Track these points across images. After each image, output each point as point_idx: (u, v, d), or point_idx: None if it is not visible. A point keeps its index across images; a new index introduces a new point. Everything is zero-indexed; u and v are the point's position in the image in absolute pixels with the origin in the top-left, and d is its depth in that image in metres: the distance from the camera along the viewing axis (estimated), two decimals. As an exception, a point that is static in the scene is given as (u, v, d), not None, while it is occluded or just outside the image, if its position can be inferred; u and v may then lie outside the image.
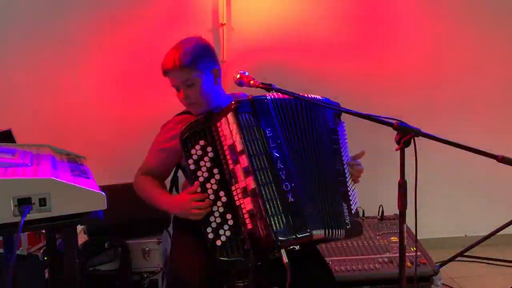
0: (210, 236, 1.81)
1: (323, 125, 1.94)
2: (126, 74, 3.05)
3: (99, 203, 1.59)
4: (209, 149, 1.86)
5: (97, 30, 2.97)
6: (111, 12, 2.97)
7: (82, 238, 2.63)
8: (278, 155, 1.81)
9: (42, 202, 1.50)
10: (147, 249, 2.62)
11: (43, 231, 2.27)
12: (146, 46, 3.02)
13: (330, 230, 1.83)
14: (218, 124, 1.85)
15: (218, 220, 1.82)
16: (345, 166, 1.97)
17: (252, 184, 1.76)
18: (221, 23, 3.02)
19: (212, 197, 1.84)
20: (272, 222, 1.73)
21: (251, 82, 1.90)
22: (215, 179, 1.85)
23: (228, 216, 1.82)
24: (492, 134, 3.26)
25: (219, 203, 1.83)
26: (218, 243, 1.81)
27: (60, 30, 2.94)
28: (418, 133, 1.65)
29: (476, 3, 3.23)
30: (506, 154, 1.65)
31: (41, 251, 2.28)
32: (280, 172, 1.79)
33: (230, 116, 1.82)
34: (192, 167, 1.87)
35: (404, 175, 1.68)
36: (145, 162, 2.10)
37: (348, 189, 1.95)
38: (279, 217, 1.75)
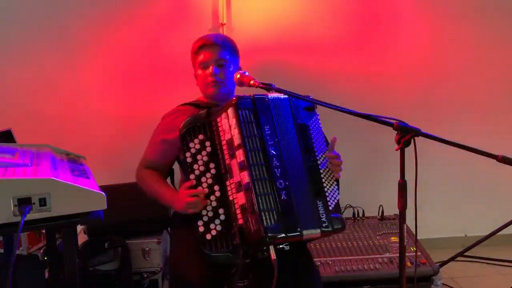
0: (201, 229, 1.83)
1: (293, 122, 1.93)
2: (126, 74, 3.05)
3: (99, 203, 1.59)
4: (207, 143, 1.89)
5: (97, 30, 2.97)
6: (111, 12, 2.97)
7: (82, 238, 2.63)
8: (274, 152, 1.82)
9: (42, 202, 1.50)
10: (147, 249, 2.62)
11: (43, 231, 2.27)
12: (146, 46, 3.02)
13: (321, 229, 1.80)
14: (219, 119, 1.88)
15: (210, 214, 1.84)
16: (319, 162, 1.93)
17: (246, 178, 1.77)
18: (221, 23, 3.02)
19: (206, 191, 1.86)
20: (263, 217, 1.73)
21: (251, 82, 1.92)
22: (211, 173, 1.88)
23: (221, 211, 1.84)
24: (492, 134, 3.26)
25: (212, 197, 1.85)
26: (208, 237, 1.82)
27: (60, 30, 2.94)
28: (418, 133, 1.65)
29: (476, 1, 3.23)
30: (506, 154, 1.65)
31: (41, 251, 2.27)
32: (276, 170, 1.80)
33: (230, 110, 1.84)
34: (189, 160, 1.89)
35: (404, 175, 1.68)
36: (146, 155, 2.13)
37: (324, 185, 1.89)
38: (270, 213, 1.74)
